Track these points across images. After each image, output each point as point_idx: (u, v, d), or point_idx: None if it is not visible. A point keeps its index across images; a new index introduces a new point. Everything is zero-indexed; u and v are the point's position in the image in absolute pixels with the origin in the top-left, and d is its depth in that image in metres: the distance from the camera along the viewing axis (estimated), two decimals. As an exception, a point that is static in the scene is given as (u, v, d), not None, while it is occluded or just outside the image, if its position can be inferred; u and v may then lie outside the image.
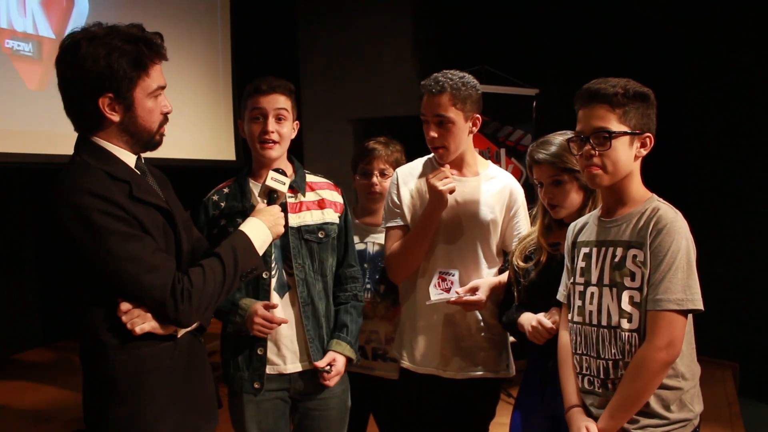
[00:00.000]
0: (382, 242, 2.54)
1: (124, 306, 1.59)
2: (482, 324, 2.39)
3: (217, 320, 2.21)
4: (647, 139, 1.80)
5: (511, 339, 2.44)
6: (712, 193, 4.97)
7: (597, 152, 1.77)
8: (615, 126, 1.77)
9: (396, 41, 5.57)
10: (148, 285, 1.58)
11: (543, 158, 2.11)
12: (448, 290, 2.27)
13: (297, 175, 2.31)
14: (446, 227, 2.36)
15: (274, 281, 2.21)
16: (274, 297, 2.21)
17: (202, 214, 2.27)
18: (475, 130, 2.36)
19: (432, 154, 2.44)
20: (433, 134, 2.28)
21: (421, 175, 2.43)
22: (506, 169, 2.57)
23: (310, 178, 2.36)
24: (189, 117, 5.18)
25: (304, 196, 2.29)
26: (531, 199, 2.32)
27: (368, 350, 2.62)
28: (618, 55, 5.10)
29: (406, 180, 2.44)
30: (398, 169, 2.50)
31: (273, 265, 2.20)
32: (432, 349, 2.38)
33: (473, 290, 2.27)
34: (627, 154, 1.79)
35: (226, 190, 2.29)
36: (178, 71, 4.92)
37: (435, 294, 2.27)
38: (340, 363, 2.26)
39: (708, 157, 5.04)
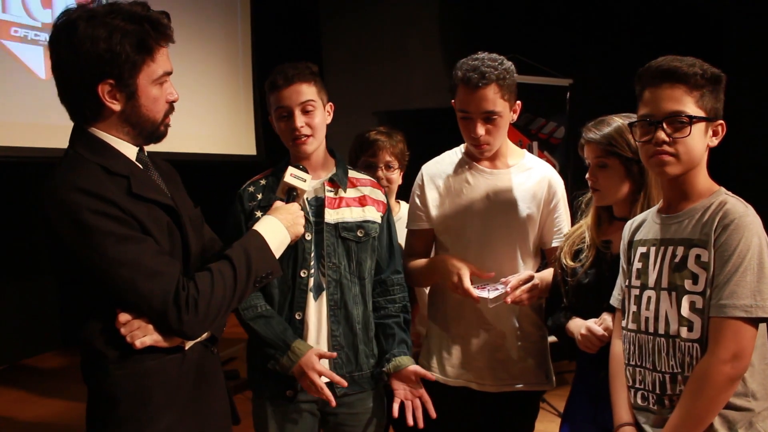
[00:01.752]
0: None
1: (123, 317, 1.44)
2: (519, 332, 2.20)
3: (237, 324, 2.06)
4: (720, 127, 1.62)
5: (551, 339, 2.25)
6: (755, 180, 4.74)
7: (672, 138, 1.58)
8: (692, 110, 1.58)
9: (422, 30, 5.42)
10: (147, 293, 1.41)
11: (591, 138, 1.95)
12: (495, 289, 2.05)
13: (339, 168, 2.16)
14: (478, 225, 2.17)
15: (311, 281, 2.05)
16: (310, 299, 2.06)
17: (238, 206, 2.12)
18: (515, 118, 2.17)
19: (460, 146, 2.26)
20: (481, 132, 2.08)
21: (449, 171, 2.24)
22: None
23: (353, 173, 2.20)
24: (207, 110, 5.07)
25: (345, 192, 2.13)
26: (578, 186, 2.14)
27: None
28: (656, 42, 4.87)
29: (434, 178, 2.26)
30: (424, 167, 2.32)
31: (311, 263, 2.05)
32: (464, 360, 2.20)
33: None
34: (702, 143, 1.60)
35: (262, 182, 2.14)
36: (195, 62, 4.80)
37: (489, 293, 2.03)
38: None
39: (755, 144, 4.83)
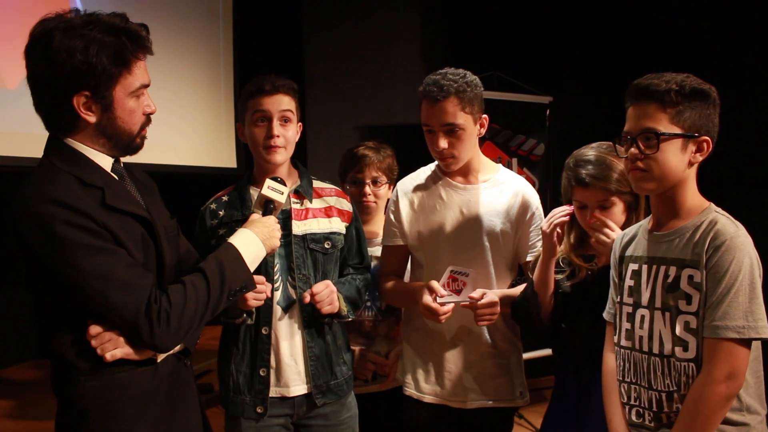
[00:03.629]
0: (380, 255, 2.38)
1: (93, 329, 1.42)
2: (492, 349, 2.20)
3: (213, 337, 2.05)
4: (704, 144, 1.61)
5: (528, 356, 2.25)
6: (741, 198, 4.78)
7: (643, 155, 1.59)
8: (665, 127, 1.58)
9: (404, 46, 5.43)
10: (118, 305, 1.40)
11: (591, 182, 1.90)
12: (458, 292, 2.04)
13: (303, 180, 2.16)
14: (451, 240, 2.18)
15: (278, 294, 2.04)
16: (278, 312, 2.04)
17: (200, 224, 2.12)
18: (483, 131, 2.18)
19: (434, 163, 2.27)
20: (444, 145, 2.09)
21: (423, 188, 2.26)
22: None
23: (317, 184, 2.20)
24: (188, 122, 5.03)
25: (311, 202, 2.13)
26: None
27: (368, 375, 2.45)
28: (635, 61, 4.93)
29: (407, 194, 2.27)
30: (399, 183, 2.33)
31: (277, 276, 2.04)
32: (438, 377, 2.20)
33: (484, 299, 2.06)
34: (678, 159, 1.59)
35: (225, 198, 2.14)
36: (177, 74, 4.76)
37: (443, 293, 2.03)
38: (330, 288, 2.04)
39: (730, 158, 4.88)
